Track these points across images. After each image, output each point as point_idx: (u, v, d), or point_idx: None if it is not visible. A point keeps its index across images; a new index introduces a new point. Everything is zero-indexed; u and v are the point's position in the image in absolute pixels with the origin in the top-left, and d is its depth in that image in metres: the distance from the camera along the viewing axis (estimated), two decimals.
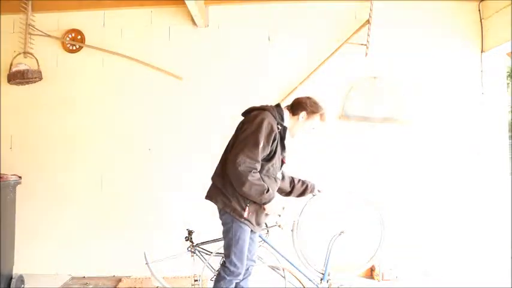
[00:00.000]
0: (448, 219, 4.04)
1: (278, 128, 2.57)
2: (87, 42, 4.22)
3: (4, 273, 3.47)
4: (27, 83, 4.16)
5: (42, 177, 4.15)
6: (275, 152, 2.57)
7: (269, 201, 2.50)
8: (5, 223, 3.48)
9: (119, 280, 3.95)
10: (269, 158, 2.54)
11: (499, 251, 4.01)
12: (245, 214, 2.52)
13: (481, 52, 4.10)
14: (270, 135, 2.49)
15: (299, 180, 3.02)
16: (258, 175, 2.46)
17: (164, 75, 4.16)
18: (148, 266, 3.34)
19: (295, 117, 2.70)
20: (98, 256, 4.11)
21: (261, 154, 2.46)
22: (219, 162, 2.68)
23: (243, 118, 2.70)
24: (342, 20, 4.13)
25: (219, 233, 2.74)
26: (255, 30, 4.17)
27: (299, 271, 3.20)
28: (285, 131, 2.66)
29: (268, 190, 2.48)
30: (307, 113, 2.68)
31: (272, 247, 3.24)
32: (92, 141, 4.18)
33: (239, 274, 2.59)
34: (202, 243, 3.17)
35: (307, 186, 3.03)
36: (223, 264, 2.63)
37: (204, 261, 3.13)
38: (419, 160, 4.09)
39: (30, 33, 4.18)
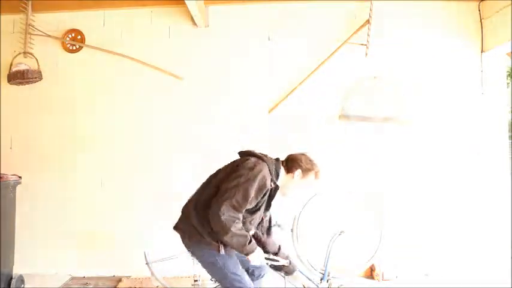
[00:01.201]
0: (448, 219, 4.03)
1: (271, 185, 2.43)
2: (87, 42, 4.22)
3: (4, 273, 3.46)
4: (27, 83, 4.15)
5: (42, 177, 4.14)
6: (259, 209, 2.45)
7: (252, 252, 2.37)
8: (5, 223, 3.48)
9: (119, 280, 3.95)
10: (251, 212, 2.42)
11: (499, 251, 4.02)
12: (222, 251, 2.39)
13: (481, 52, 4.09)
14: (261, 191, 2.37)
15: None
16: (240, 225, 2.33)
17: (164, 75, 4.16)
18: (148, 266, 3.34)
19: (290, 174, 2.54)
20: (98, 256, 4.11)
21: (247, 206, 2.34)
22: (198, 192, 2.53)
23: (238, 158, 2.57)
24: (342, 20, 4.13)
25: None
26: (255, 30, 4.17)
27: (299, 271, 3.20)
28: (276, 190, 2.50)
29: (250, 241, 2.35)
30: (303, 171, 2.53)
31: None
32: (92, 140, 4.18)
33: None
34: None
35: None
36: None
37: None
38: (419, 160, 4.09)
39: (30, 33, 4.18)
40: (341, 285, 3.35)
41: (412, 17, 4.12)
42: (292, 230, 3.52)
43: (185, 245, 2.55)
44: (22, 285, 3.66)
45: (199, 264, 2.92)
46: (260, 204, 2.44)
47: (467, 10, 4.12)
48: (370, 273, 3.95)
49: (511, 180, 4.14)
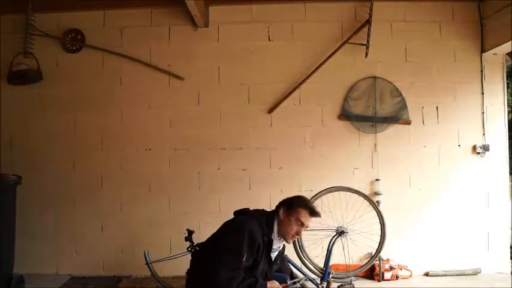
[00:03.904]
0: (449, 219, 4.03)
1: (264, 240, 2.41)
2: (87, 42, 4.21)
3: (4, 273, 3.46)
4: (27, 83, 4.15)
5: (42, 177, 4.13)
6: (258, 264, 2.43)
7: None
8: (5, 223, 3.47)
9: (119, 280, 3.94)
10: (251, 269, 2.39)
11: (499, 251, 4.02)
12: None
13: (481, 52, 4.09)
14: (252, 248, 2.35)
15: None
16: (240, 279, 2.28)
17: (164, 75, 4.16)
18: (148, 266, 3.34)
19: (277, 217, 2.50)
20: (98, 256, 4.11)
21: (243, 263, 2.33)
22: (197, 255, 2.62)
23: (233, 217, 2.58)
24: (342, 20, 4.13)
25: None
26: (255, 30, 4.17)
27: (299, 271, 3.20)
28: (271, 243, 2.48)
29: (256, 283, 2.33)
30: (287, 208, 2.49)
31: None
32: (92, 140, 4.17)
33: None
34: (202, 243, 3.16)
35: None
36: None
37: None
38: (419, 160, 4.09)
39: (30, 33, 4.17)
40: (341, 285, 3.35)
41: (412, 17, 4.12)
42: None
43: None
44: (22, 285, 3.65)
45: None
46: (258, 261, 2.43)
47: (467, 10, 4.12)
48: (370, 273, 3.94)
49: (511, 180, 4.14)
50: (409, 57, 4.12)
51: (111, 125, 4.19)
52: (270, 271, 2.58)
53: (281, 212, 2.50)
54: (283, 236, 2.52)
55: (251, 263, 2.39)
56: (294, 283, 2.67)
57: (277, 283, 2.47)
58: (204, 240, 3.09)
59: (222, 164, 4.13)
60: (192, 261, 2.65)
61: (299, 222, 2.48)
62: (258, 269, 2.44)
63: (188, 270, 2.63)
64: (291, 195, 2.65)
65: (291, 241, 2.58)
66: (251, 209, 2.61)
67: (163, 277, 3.48)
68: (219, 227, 2.60)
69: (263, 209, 2.61)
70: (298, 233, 2.52)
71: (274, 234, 2.50)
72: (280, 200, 2.61)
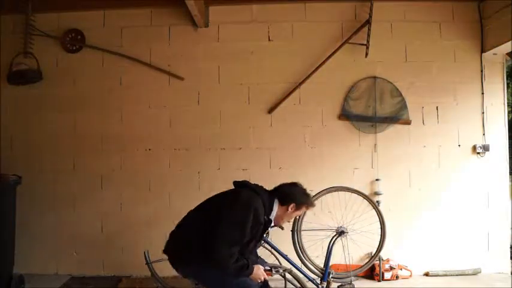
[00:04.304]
0: (448, 218, 4.04)
1: (264, 219, 2.48)
2: (87, 42, 4.21)
3: (4, 273, 3.46)
4: (27, 83, 4.15)
5: (42, 177, 4.13)
6: (252, 240, 2.48)
7: (250, 274, 2.41)
8: (5, 223, 3.47)
9: (119, 280, 3.94)
10: (244, 244, 2.43)
11: (499, 251, 4.02)
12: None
13: (481, 52, 4.09)
14: (255, 226, 2.41)
15: None
16: (236, 257, 2.34)
17: (164, 75, 4.16)
18: (148, 266, 3.34)
19: (284, 207, 2.59)
20: (98, 256, 4.11)
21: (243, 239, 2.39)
22: (190, 218, 2.57)
23: (233, 189, 2.61)
24: (342, 20, 4.13)
25: None
26: (255, 30, 4.16)
27: (299, 271, 3.20)
28: (269, 223, 2.56)
29: (247, 267, 2.38)
30: (297, 205, 2.59)
31: (272, 247, 3.25)
32: (92, 141, 4.17)
33: None
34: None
35: None
36: None
37: None
38: (419, 160, 4.09)
39: (30, 33, 4.17)
40: (341, 285, 3.35)
41: (412, 17, 4.12)
42: (292, 230, 3.53)
43: (180, 270, 2.54)
44: (22, 285, 3.65)
45: None
46: (254, 239, 2.48)
47: (467, 10, 4.12)
48: (370, 273, 3.94)
49: (511, 180, 4.14)
50: (409, 57, 4.12)
51: (111, 125, 4.18)
52: (255, 249, 2.67)
53: (291, 206, 2.58)
54: (279, 221, 2.66)
55: (246, 240, 2.42)
56: (277, 270, 2.68)
57: (262, 268, 2.50)
58: None
59: (222, 164, 4.13)
60: (183, 225, 2.59)
61: (298, 215, 2.76)
62: (249, 247, 2.48)
63: (172, 232, 2.59)
64: (292, 182, 2.70)
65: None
66: (251, 183, 2.63)
67: (163, 277, 3.48)
68: None
69: (261, 186, 2.64)
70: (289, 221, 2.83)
71: (273, 216, 2.58)
72: (284, 185, 2.66)
